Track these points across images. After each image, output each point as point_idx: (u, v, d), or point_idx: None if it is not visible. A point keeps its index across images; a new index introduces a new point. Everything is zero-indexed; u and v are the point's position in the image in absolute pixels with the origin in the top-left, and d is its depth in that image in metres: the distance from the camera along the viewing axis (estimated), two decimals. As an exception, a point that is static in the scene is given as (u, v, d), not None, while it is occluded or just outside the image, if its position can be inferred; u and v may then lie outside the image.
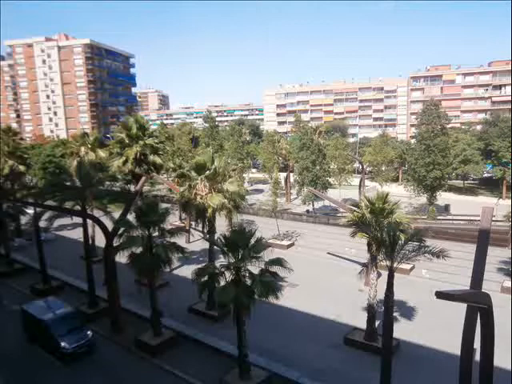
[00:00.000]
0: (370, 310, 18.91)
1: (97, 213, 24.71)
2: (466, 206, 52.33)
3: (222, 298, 14.72)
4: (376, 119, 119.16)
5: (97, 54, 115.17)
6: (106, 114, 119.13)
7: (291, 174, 60.42)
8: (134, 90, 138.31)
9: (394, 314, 17.98)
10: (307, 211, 50.34)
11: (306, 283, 26.63)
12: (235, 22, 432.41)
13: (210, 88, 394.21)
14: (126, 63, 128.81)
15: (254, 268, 15.84)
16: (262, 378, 16.29)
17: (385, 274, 16.20)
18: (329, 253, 33.66)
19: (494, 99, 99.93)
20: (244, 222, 37.74)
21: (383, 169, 58.96)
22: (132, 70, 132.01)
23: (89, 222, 25.21)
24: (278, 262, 15.88)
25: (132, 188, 42.29)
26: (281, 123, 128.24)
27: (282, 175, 57.95)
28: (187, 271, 23.40)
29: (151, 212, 18.81)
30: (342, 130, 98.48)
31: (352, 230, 18.87)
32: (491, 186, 69.91)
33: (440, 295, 8.99)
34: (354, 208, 20.85)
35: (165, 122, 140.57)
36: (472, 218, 42.33)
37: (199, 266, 17.65)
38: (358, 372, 17.05)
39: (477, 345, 11.55)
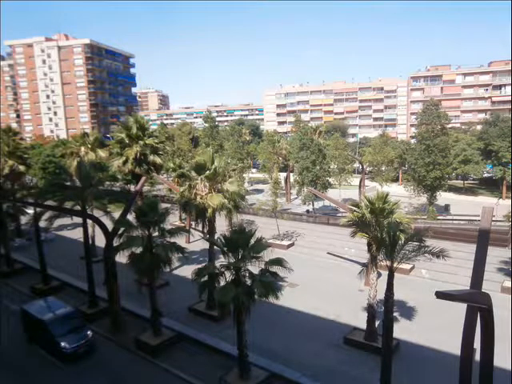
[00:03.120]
0: (370, 310, 18.90)
1: (97, 213, 24.69)
2: (466, 206, 52.38)
3: (222, 298, 14.70)
4: (376, 119, 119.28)
5: (97, 54, 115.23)
6: (106, 114, 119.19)
7: (291, 174, 60.42)
8: (133, 89, 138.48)
9: (394, 314, 17.97)
10: (307, 211, 50.33)
11: (306, 283, 26.62)
12: (235, 21, 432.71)
13: (210, 88, 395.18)
14: (125, 63, 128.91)
15: (254, 268, 15.85)
16: (261, 378, 16.29)
17: (385, 274, 16.20)
18: (329, 253, 33.65)
19: (494, 99, 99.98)
20: (244, 221, 37.76)
21: (383, 169, 58.95)
22: (132, 70, 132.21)
23: (89, 221, 25.19)
24: (278, 262, 15.87)
25: (132, 188, 42.46)
26: (281, 123, 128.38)
27: (282, 175, 57.98)
28: (187, 271, 23.39)
29: (151, 212, 18.80)
30: (342, 130, 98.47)
31: (352, 229, 18.86)
32: (491, 186, 69.92)
33: (440, 295, 8.98)
34: (354, 208, 20.80)
35: (165, 122, 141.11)
36: (472, 217, 42.38)
37: (199, 265, 17.65)
38: (357, 372, 17.03)
39: (477, 345, 11.55)
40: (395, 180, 69.50)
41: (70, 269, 29.52)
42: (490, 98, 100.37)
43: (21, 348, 20.02)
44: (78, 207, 23.68)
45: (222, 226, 27.07)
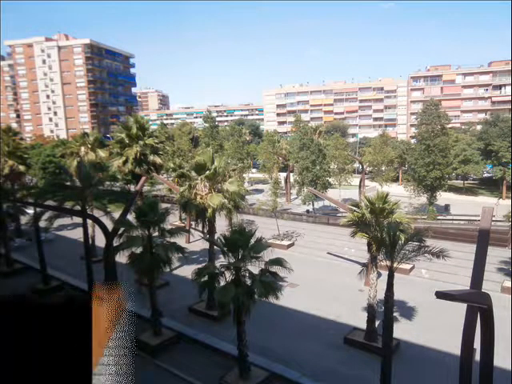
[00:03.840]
0: (370, 310, 18.91)
1: (97, 213, 24.68)
2: (466, 206, 52.34)
3: (222, 298, 14.70)
4: (376, 119, 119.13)
5: (97, 54, 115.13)
6: (106, 114, 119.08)
7: (291, 174, 60.41)
8: (133, 89, 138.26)
9: (394, 314, 17.97)
10: (307, 211, 50.32)
11: (306, 283, 26.62)
12: (235, 22, 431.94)
13: (210, 88, 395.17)
14: (125, 63, 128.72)
15: (254, 268, 15.84)
16: (261, 378, 16.30)
17: (385, 274, 16.21)
18: (329, 253, 33.65)
19: (494, 99, 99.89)
20: (244, 222, 37.75)
21: (383, 169, 58.92)
22: (132, 70, 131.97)
23: (89, 221, 25.18)
24: (278, 262, 15.86)
25: (132, 188, 42.49)
26: (281, 123, 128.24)
27: (282, 175, 57.97)
28: (187, 271, 23.39)
29: (151, 212, 18.80)
30: (342, 130, 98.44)
31: (352, 229, 18.88)
32: (491, 186, 69.88)
33: (440, 295, 8.98)
34: (354, 208, 20.81)
35: (165, 122, 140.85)
36: (472, 217, 42.39)
37: (199, 265, 17.65)
38: (357, 372, 17.04)
39: (477, 345, 11.54)
40: (395, 180, 69.44)
41: (70, 269, 29.51)
42: (490, 97, 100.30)
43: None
44: (78, 207, 23.66)
45: (221, 226, 27.05)
